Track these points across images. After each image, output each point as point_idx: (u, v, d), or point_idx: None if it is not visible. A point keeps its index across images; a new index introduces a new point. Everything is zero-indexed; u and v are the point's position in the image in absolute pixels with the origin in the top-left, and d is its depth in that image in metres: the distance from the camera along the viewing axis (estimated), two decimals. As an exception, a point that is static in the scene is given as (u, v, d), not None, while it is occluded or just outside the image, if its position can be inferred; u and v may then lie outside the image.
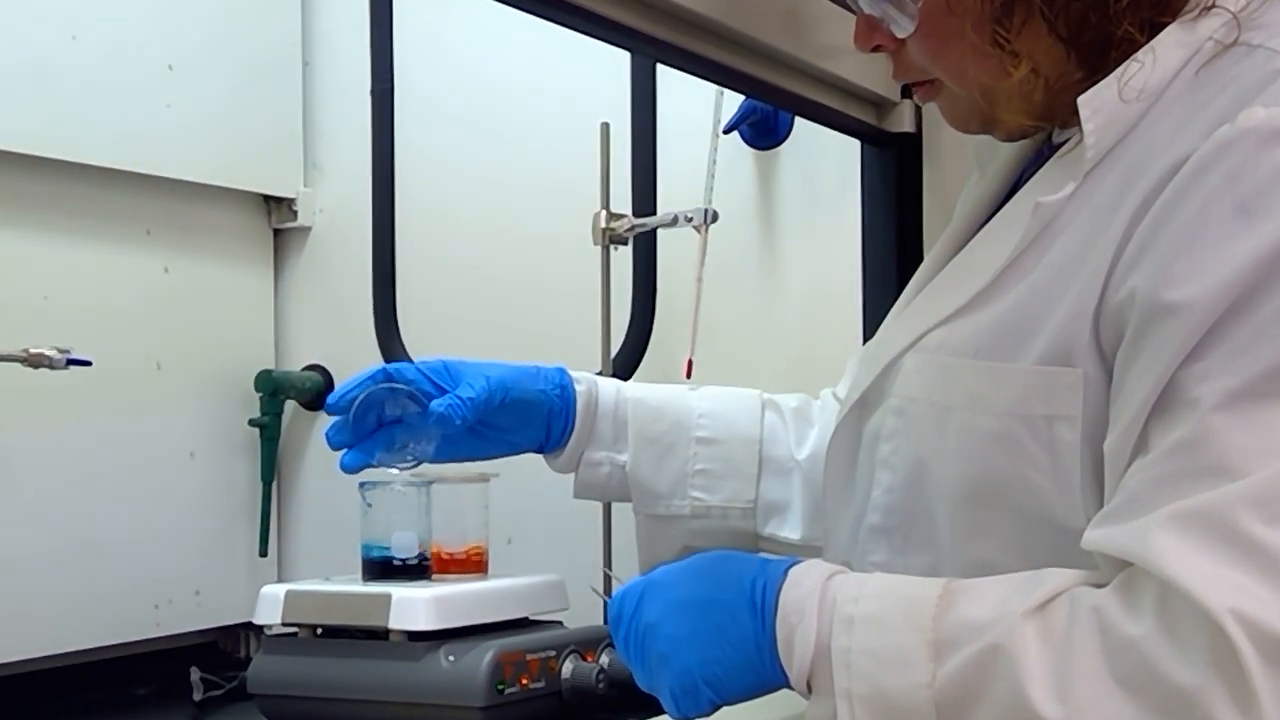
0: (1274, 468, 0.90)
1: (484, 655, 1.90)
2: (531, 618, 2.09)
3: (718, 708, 1.12)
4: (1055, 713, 0.91)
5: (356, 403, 1.40)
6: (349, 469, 1.44)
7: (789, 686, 1.07)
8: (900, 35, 1.17)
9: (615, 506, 2.25)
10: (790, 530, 1.47)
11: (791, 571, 1.08)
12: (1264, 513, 0.89)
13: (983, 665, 0.95)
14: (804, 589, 1.06)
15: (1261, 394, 0.92)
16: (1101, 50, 1.09)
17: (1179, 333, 0.95)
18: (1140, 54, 1.06)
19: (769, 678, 1.08)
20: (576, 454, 1.53)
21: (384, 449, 1.43)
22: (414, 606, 1.94)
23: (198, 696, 2.17)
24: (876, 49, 1.21)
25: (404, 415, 1.43)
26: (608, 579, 1.24)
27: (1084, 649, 0.93)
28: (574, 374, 1.48)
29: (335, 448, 1.44)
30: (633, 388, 1.52)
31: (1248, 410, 0.92)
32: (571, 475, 1.52)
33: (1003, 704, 0.94)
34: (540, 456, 1.51)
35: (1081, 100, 1.07)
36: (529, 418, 1.45)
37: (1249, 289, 0.93)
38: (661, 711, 1.16)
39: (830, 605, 1.04)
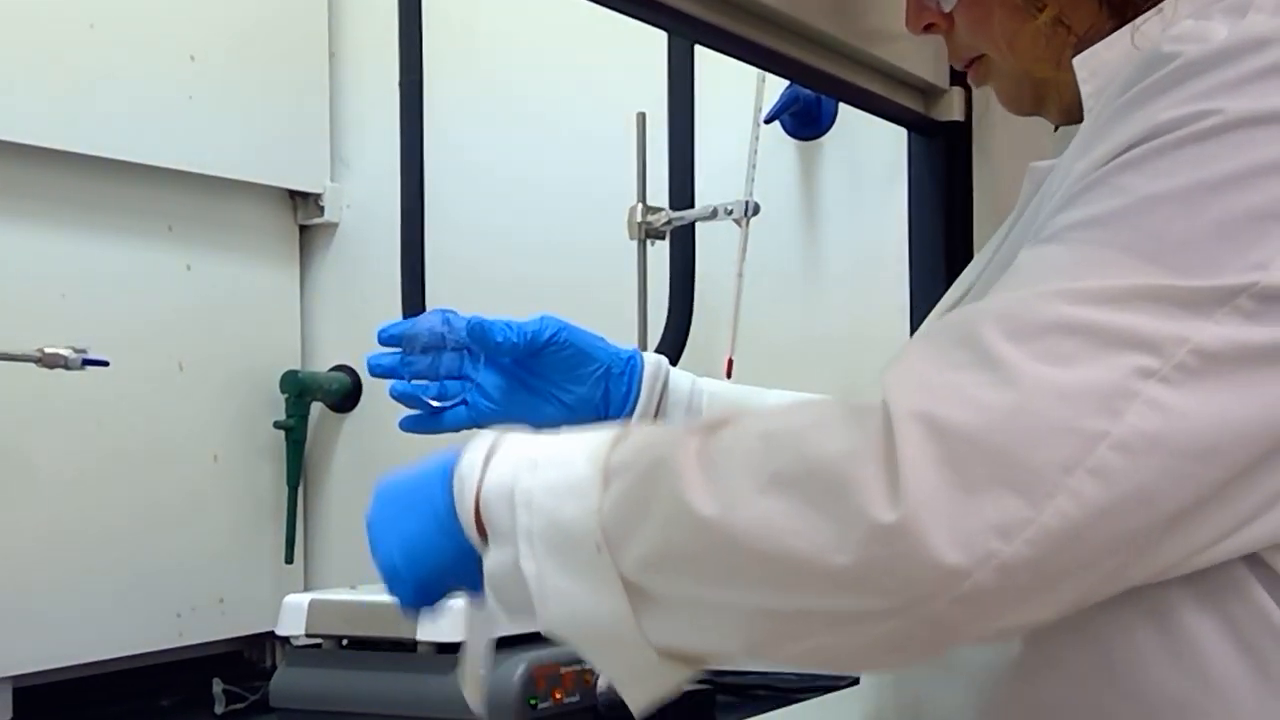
0: (1033, 290, 0.89)
1: (516, 668, 1.85)
2: (565, 628, 2.03)
3: (429, 595, 1.07)
4: (711, 509, 0.89)
5: (405, 334, 1.36)
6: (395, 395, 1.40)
7: (477, 551, 1.02)
8: (947, 8, 1.16)
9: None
10: None
11: (480, 436, 1.05)
12: (1006, 326, 0.87)
13: (646, 479, 0.93)
14: (481, 444, 1.03)
15: (1058, 239, 0.92)
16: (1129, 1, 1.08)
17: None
18: (1165, 4, 1.05)
19: (459, 545, 1.03)
20: None
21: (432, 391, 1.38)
22: (443, 617, 1.88)
23: (220, 709, 2.12)
24: (928, 29, 1.19)
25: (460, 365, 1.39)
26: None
27: (745, 448, 0.91)
28: (645, 354, 1.41)
29: (377, 374, 1.40)
30: (707, 381, 1.46)
31: (1040, 249, 0.92)
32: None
33: (664, 512, 0.91)
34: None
35: (1077, 61, 1.06)
36: (583, 372, 1.37)
37: (1098, 166, 0.93)
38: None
39: (510, 451, 1.02)
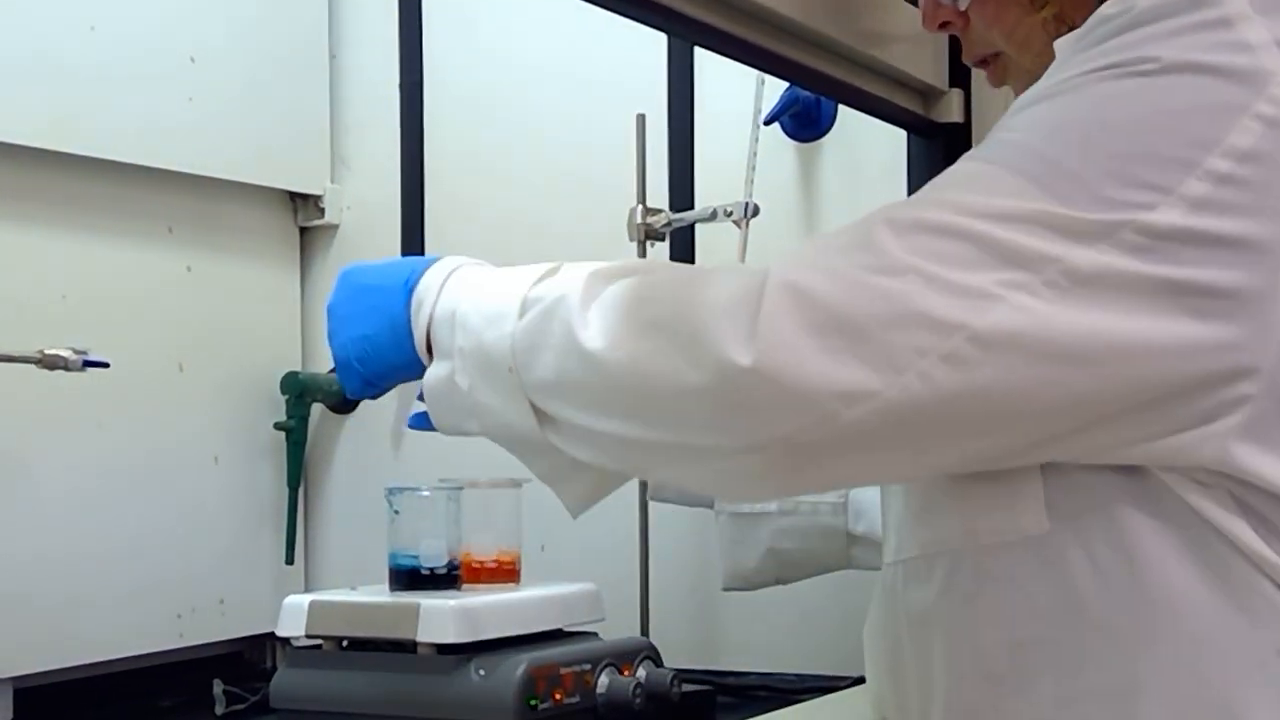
0: (929, 198, 0.96)
1: (515, 669, 1.84)
2: (565, 629, 2.03)
3: (375, 388, 1.22)
4: (595, 345, 1.00)
5: None
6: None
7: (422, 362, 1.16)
8: (963, 6, 1.21)
9: (652, 511, 2.20)
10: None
11: (444, 258, 1.18)
12: (894, 225, 0.93)
13: (550, 314, 1.04)
14: (442, 267, 1.16)
15: (970, 158, 0.98)
16: None
17: None
18: None
19: (408, 354, 1.17)
20: None
21: None
22: (443, 618, 1.89)
23: (220, 710, 2.11)
24: (943, 27, 1.24)
25: None
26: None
27: (636, 294, 1.01)
28: None
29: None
30: None
31: (953, 167, 0.98)
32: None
33: (559, 344, 1.02)
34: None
35: (1058, 45, 1.09)
36: None
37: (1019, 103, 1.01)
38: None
39: (463, 276, 1.14)
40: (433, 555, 2.01)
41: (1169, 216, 0.91)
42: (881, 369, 0.90)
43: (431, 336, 1.13)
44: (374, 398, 1.23)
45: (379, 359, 1.18)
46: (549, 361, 1.03)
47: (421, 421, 1.48)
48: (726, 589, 1.90)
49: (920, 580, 1.08)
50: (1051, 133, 0.95)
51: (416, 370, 1.16)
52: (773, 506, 1.62)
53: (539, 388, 1.04)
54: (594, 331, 1.00)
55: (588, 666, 1.90)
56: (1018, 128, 0.97)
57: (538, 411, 1.05)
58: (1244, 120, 0.92)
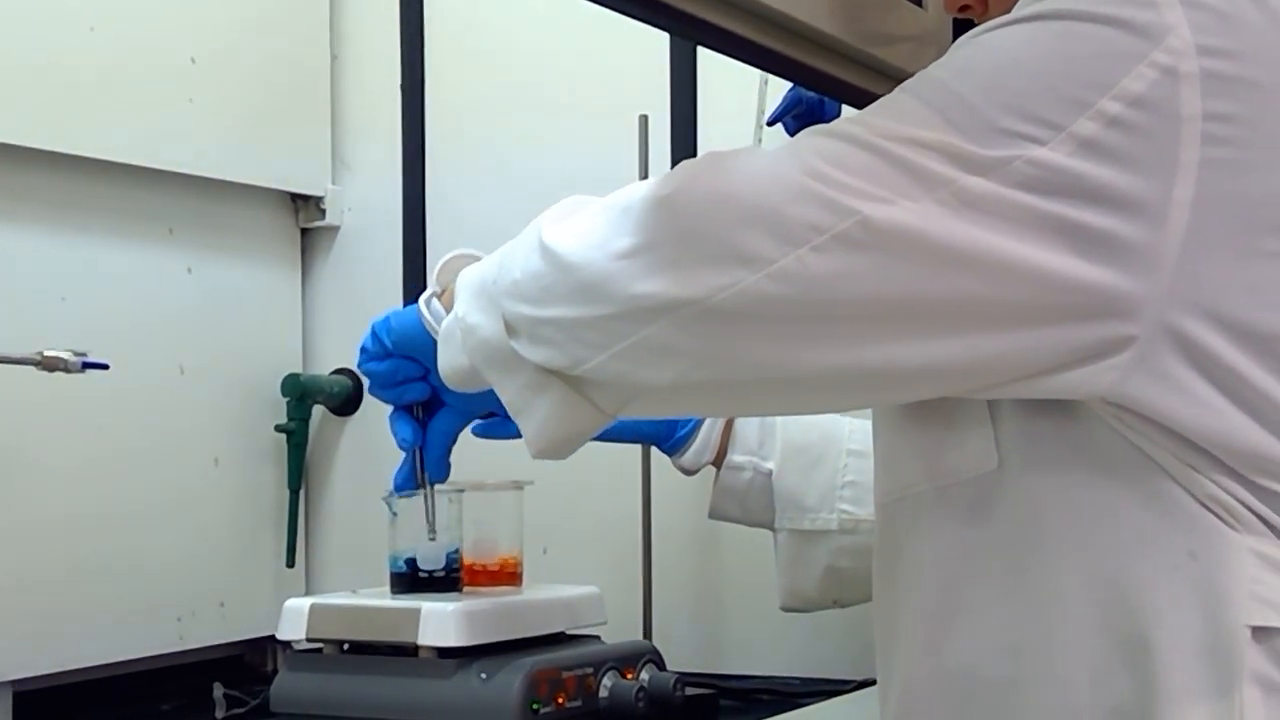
0: (846, 118, 1.05)
1: (518, 673, 1.84)
2: (568, 632, 2.02)
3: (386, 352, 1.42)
4: (552, 238, 1.09)
5: None
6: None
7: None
8: None
9: (655, 513, 2.19)
10: None
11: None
12: (812, 135, 1.03)
13: (530, 229, 1.15)
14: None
15: (900, 88, 1.05)
16: None
17: None
18: None
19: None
20: (705, 450, 1.63)
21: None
22: (444, 621, 1.88)
23: (220, 714, 2.10)
24: (964, 10, 1.27)
25: None
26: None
27: (596, 201, 1.12)
28: None
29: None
30: None
31: (884, 97, 1.06)
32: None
33: (526, 246, 1.13)
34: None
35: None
36: None
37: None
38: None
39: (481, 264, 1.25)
40: (433, 558, 2.01)
41: (1057, 154, 0.96)
42: (779, 240, 0.97)
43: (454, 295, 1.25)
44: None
45: (399, 325, 1.40)
46: (519, 263, 1.12)
47: (485, 428, 1.49)
48: (785, 609, 1.89)
49: (888, 527, 1.14)
50: (963, 69, 1.02)
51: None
52: (833, 525, 1.65)
53: (509, 292, 1.13)
54: (556, 229, 1.10)
55: (590, 670, 1.90)
56: (942, 64, 1.04)
57: (507, 323, 1.13)
58: (1139, 67, 0.97)
